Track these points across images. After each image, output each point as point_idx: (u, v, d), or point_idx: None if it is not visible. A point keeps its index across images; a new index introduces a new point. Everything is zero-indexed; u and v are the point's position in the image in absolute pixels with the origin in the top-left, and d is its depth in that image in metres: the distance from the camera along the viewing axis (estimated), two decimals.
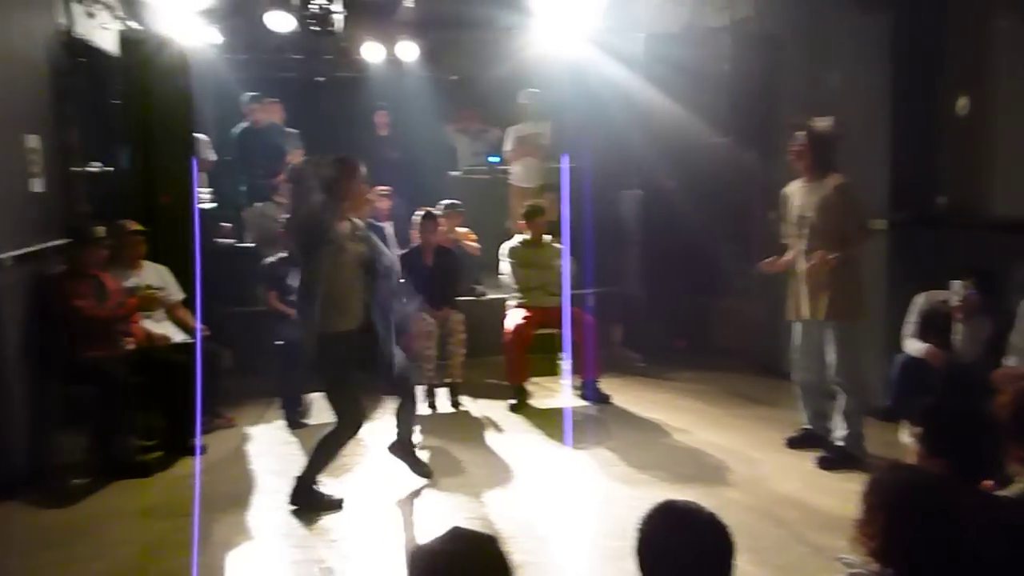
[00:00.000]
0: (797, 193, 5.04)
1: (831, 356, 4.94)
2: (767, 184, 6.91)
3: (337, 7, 7.05)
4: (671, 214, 7.46)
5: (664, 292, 7.67)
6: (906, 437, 2.77)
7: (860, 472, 4.72)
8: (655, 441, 5.50)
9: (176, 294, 5.80)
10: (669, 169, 7.47)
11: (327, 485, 4.59)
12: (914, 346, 5.14)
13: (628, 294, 7.98)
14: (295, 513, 4.42)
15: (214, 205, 8.39)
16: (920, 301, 5.21)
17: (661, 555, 1.96)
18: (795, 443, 5.25)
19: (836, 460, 4.92)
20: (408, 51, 8.73)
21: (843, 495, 4.48)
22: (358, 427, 4.59)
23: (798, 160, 4.95)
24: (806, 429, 5.26)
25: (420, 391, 6.30)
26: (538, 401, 6.37)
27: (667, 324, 7.66)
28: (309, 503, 4.46)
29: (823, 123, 4.92)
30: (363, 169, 4.56)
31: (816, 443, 5.15)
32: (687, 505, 2.03)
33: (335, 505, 4.48)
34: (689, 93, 7.19)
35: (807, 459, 5.02)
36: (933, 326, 5.12)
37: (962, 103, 5.54)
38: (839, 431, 4.97)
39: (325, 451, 4.53)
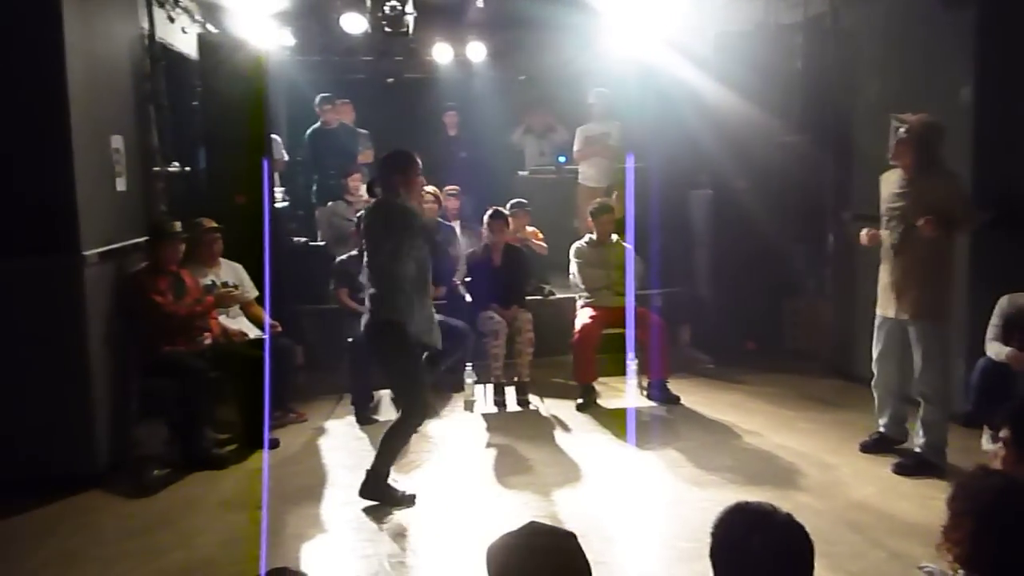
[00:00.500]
0: (894, 184, 4.84)
1: (916, 360, 4.79)
2: (841, 183, 6.80)
3: (409, 9, 7.12)
4: (742, 214, 7.35)
5: (734, 293, 7.57)
6: (987, 443, 2.69)
7: (938, 478, 4.62)
8: (725, 443, 5.43)
9: (251, 291, 5.94)
10: (740, 168, 7.37)
11: (399, 481, 4.65)
12: (996, 350, 4.96)
13: (697, 295, 7.90)
14: (366, 507, 4.47)
15: (285, 204, 8.57)
16: (1003, 304, 5.02)
17: (738, 557, 1.92)
18: (869, 447, 5.13)
19: (913, 466, 4.79)
20: (477, 51, 8.77)
21: (921, 501, 4.39)
22: (423, 417, 4.65)
23: (901, 155, 4.79)
24: (881, 433, 5.13)
25: (488, 389, 6.38)
26: (606, 401, 6.34)
27: (736, 325, 7.55)
28: (381, 497, 4.50)
29: (927, 118, 4.76)
30: (419, 163, 4.62)
31: (891, 448, 5.03)
32: (762, 506, 1.99)
33: (408, 500, 4.52)
34: (761, 91, 7.09)
35: (883, 464, 4.90)
36: (1017, 329, 4.94)
37: None
38: (919, 438, 4.83)
39: (392, 443, 4.57)
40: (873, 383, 5.11)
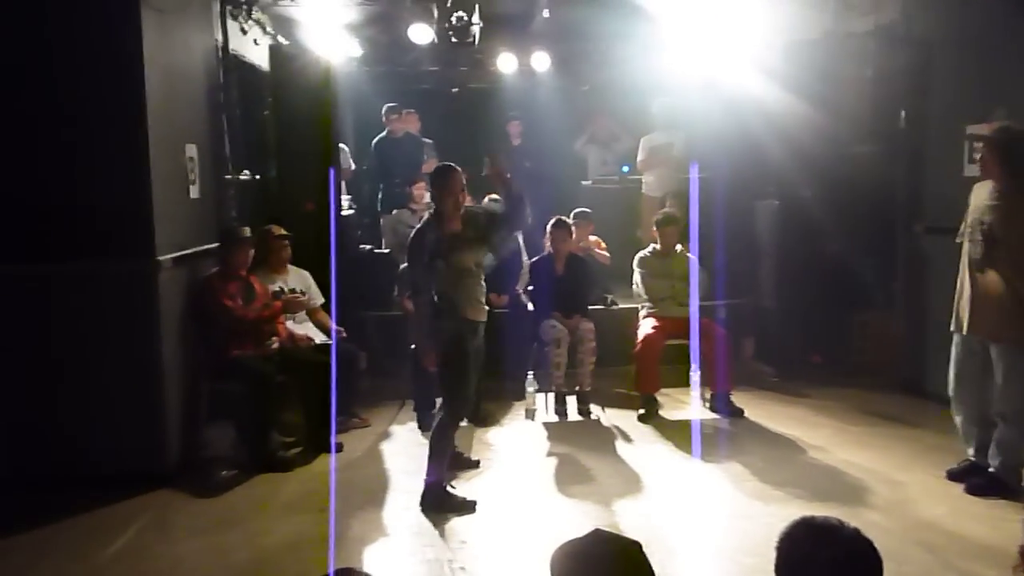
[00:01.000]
0: (984, 196, 4.59)
1: (997, 379, 4.54)
2: (913, 194, 6.64)
3: (475, 19, 7.19)
4: (809, 225, 7.24)
5: (800, 305, 7.44)
6: None
7: (1012, 500, 4.47)
8: (790, 458, 5.34)
9: (317, 298, 6.04)
10: (807, 179, 7.25)
11: (458, 488, 4.68)
12: None
13: (762, 306, 7.79)
14: (428, 514, 4.51)
15: (351, 212, 8.70)
16: None
17: (804, 573, 1.88)
18: (957, 475, 4.84)
19: (987, 486, 4.61)
20: (541, 61, 8.80)
21: (994, 522, 4.26)
22: (462, 416, 4.78)
23: (987, 170, 4.57)
24: (971, 461, 4.82)
25: (550, 398, 6.38)
26: (668, 412, 6.29)
27: (802, 338, 7.42)
28: (443, 507, 4.53)
29: (1006, 125, 4.59)
30: (461, 176, 4.69)
31: (983, 475, 4.71)
32: (829, 520, 1.93)
33: (468, 506, 4.56)
34: (830, 100, 6.97)
35: (954, 484, 4.75)
36: None
37: None
38: (994, 458, 4.64)
39: (439, 447, 4.64)
40: (953, 408, 4.85)
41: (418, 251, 4.61)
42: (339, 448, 5.50)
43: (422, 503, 4.57)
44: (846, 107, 7.05)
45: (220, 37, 6.33)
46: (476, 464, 5.15)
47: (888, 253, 7.07)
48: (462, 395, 4.67)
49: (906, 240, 6.81)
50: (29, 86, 4.83)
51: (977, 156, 4.60)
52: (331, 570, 1.67)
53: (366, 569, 3.82)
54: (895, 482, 4.87)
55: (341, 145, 8.52)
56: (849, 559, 1.86)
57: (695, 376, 6.22)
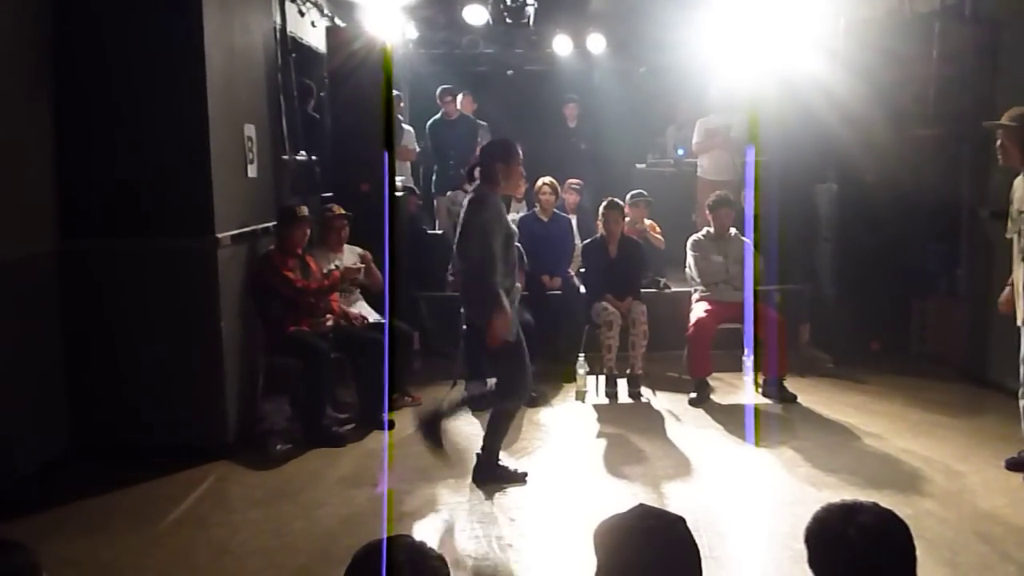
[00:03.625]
0: (1021, 187, 4.55)
1: None
2: (978, 178, 6.46)
3: (530, 0, 7.18)
4: (869, 209, 7.09)
5: (858, 291, 7.30)
6: None
7: None
8: (844, 444, 5.26)
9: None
10: (869, 162, 7.09)
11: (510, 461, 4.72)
12: None
13: (819, 292, 7.66)
14: (478, 489, 4.56)
15: (404, 192, 8.76)
16: None
17: (838, 554, 1.85)
18: (1016, 465, 4.73)
19: None
20: (597, 43, 8.74)
21: None
22: (523, 398, 4.75)
23: (1006, 157, 4.51)
24: None
25: (601, 380, 6.37)
26: (720, 397, 6.24)
27: (860, 325, 7.28)
28: (495, 477, 4.60)
29: (1016, 109, 4.47)
30: (519, 153, 4.62)
31: None
32: (846, 501, 1.91)
33: (519, 478, 4.62)
34: (893, 81, 6.80)
35: (1016, 475, 4.64)
36: None
37: None
38: None
39: (498, 424, 4.66)
40: (1020, 393, 4.72)
41: (499, 225, 4.45)
42: (391, 425, 5.57)
43: (474, 475, 4.63)
44: (909, 88, 6.87)
45: (279, 19, 6.41)
46: (524, 478, 4.69)
47: (952, 239, 6.90)
48: (524, 377, 4.62)
49: (971, 225, 6.64)
50: (103, 71, 4.95)
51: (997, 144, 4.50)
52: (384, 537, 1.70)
53: None
54: (953, 471, 4.77)
55: (406, 126, 8.60)
56: (878, 524, 1.84)
57: (748, 361, 6.15)
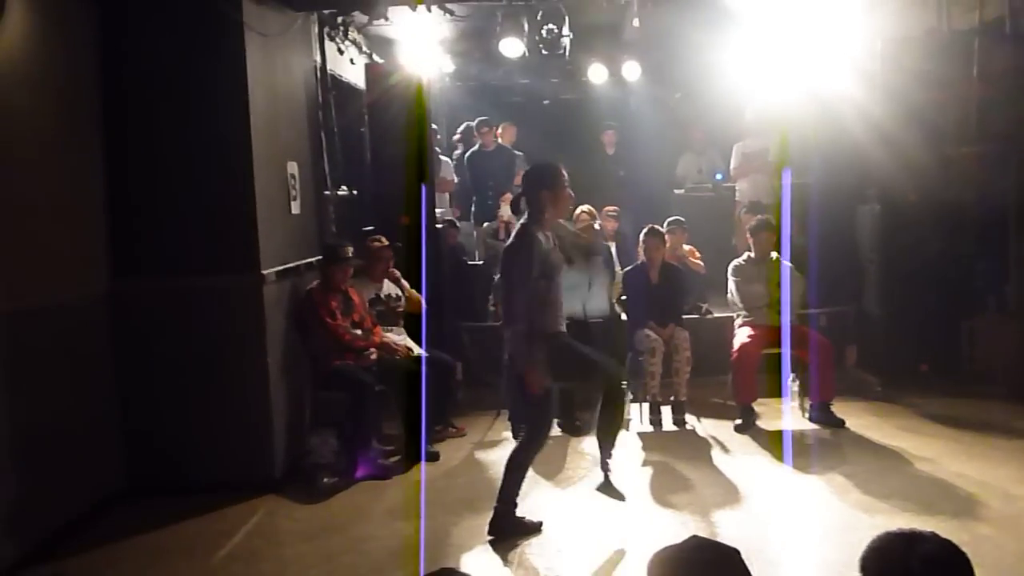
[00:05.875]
0: None
1: None
2: None
3: (565, 31, 7.24)
4: (914, 229, 7.00)
5: (905, 312, 7.19)
6: None
7: None
8: (896, 469, 5.16)
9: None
10: (911, 182, 7.01)
11: (554, 498, 4.69)
12: None
13: (864, 314, 7.56)
14: (498, 539, 4.35)
15: (444, 224, 8.84)
16: None
17: None
18: None
19: None
20: (632, 70, 8.78)
21: None
22: (544, 440, 4.47)
23: None
24: None
25: (644, 408, 6.33)
26: (766, 423, 6.16)
27: (908, 346, 7.16)
28: (512, 531, 4.37)
29: None
30: (565, 175, 4.43)
31: None
32: (903, 529, 1.87)
33: (535, 529, 4.42)
34: (933, 100, 6.74)
35: None
36: None
37: None
38: None
39: (515, 474, 4.41)
40: None
41: (529, 265, 4.23)
42: (436, 457, 5.60)
43: (491, 528, 4.37)
44: (951, 107, 6.81)
45: (319, 58, 6.55)
46: (539, 528, 4.46)
47: (999, 256, 6.79)
48: (546, 421, 4.48)
49: (1018, 241, 6.53)
50: (151, 114, 5.10)
51: None
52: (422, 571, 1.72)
53: None
54: (1010, 496, 4.66)
55: (444, 158, 8.69)
56: (940, 555, 1.80)
57: (792, 386, 6.07)
